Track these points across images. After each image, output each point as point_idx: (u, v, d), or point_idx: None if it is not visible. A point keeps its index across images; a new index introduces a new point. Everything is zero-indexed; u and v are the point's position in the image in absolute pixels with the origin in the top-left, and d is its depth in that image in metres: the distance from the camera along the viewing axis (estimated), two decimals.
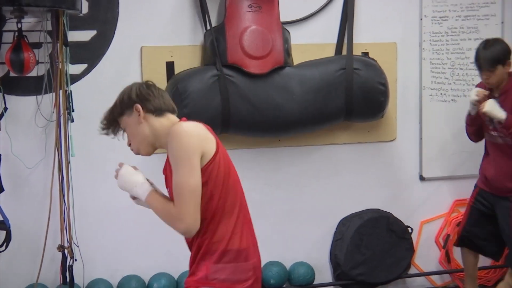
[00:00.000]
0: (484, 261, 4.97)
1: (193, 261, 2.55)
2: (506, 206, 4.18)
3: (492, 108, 4.03)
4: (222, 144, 2.55)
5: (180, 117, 2.64)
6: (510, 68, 4.09)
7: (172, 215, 2.41)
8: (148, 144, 2.57)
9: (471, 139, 4.50)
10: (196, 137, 2.42)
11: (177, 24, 4.31)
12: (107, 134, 2.69)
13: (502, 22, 5.00)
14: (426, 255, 5.01)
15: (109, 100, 4.16)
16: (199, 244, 2.49)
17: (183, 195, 2.37)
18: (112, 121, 2.63)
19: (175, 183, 2.40)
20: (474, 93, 4.15)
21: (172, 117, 2.58)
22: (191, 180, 2.37)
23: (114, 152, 4.17)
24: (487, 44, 4.13)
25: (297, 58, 4.43)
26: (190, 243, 2.55)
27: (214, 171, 2.44)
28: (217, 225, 2.48)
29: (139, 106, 2.49)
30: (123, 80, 4.14)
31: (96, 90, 4.16)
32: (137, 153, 2.64)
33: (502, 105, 4.05)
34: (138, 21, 4.23)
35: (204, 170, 2.41)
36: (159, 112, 2.53)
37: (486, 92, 4.12)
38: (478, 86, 4.30)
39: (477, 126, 4.35)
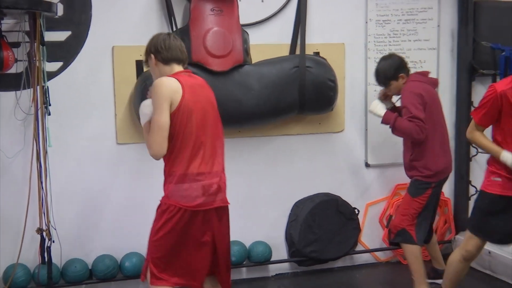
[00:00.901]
0: None
1: (163, 185, 3.14)
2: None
3: (374, 107, 4.27)
4: (194, 98, 3.07)
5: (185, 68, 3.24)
6: (403, 80, 4.18)
7: (147, 143, 3.05)
8: None
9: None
10: (168, 88, 3.00)
11: (145, 26, 4.28)
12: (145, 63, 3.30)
13: (438, 26, 5.11)
14: (371, 233, 5.12)
15: (83, 94, 4.31)
16: (165, 170, 3.12)
17: (153, 129, 3.00)
18: (146, 60, 3.27)
19: (151, 120, 3.03)
20: (379, 93, 4.40)
21: (175, 67, 3.17)
22: (160, 119, 2.97)
23: (87, 142, 4.26)
24: (380, 62, 4.32)
25: (255, 57, 4.48)
26: (164, 172, 3.13)
27: (178, 117, 3.01)
28: (176, 156, 3.05)
29: (152, 56, 3.14)
30: (96, 77, 4.27)
31: (71, 86, 4.20)
32: None
33: (401, 103, 4.17)
34: (109, 23, 4.24)
35: (172, 115, 2.99)
36: (165, 61, 3.14)
37: (390, 92, 4.30)
38: None
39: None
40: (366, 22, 4.93)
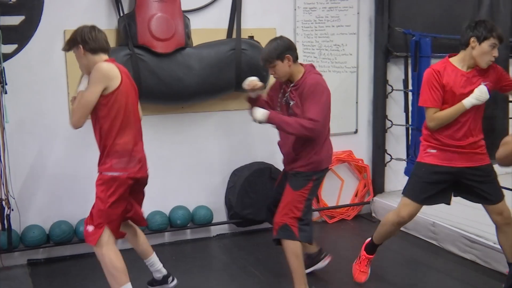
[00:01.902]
0: (344, 199, 5.39)
1: (102, 157, 3.29)
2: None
3: (255, 115, 3.53)
4: (128, 83, 3.28)
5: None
6: (289, 62, 3.47)
7: (71, 112, 3.29)
8: (85, 70, 3.26)
9: None
10: (104, 74, 3.14)
11: (94, 11, 4.29)
12: (67, 50, 3.37)
13: (358, 13, 5.24)
14: None
15: (38, 74, 4.34)
16: (105, 145, 3.24)
17: (79, 103, 3.16)
18: (68, 49, 3.31)
19: (81, 95, 3.18)
20: (246, 82, 3.66)
21: (102, 56, 3.24)
22: (88, 98, 3.13)
23: (42, 118, 4.26)
24: (267, 44, 3.57)
25: (196, 40, 4.54)
26: (99, 145, 3.30)
27: (117, 99, 3.17)
28: (117, 134, 3.22)
29: (80, 46, 3.18)
30: (49, 58, 4.28)
31: (26, 66, 4.18)
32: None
33: (293, 94, 3.54)
34: (61, 8, 4.21)
35: (106, 97, 3.14)
36: (93, 51, 3.20)
37: (258, 84, 3.65)
38: None
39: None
40: (295, 9, 4.98)
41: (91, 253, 3.45)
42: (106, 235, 3.23)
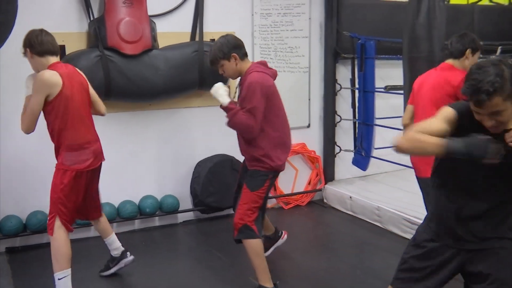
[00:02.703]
0: (299, 187, 5.46)
1: (56, 152, 3.31)
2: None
3: (215, 91, 3.29)
4: (71, 85, 3.21)
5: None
6: (236, 61, 3.27)
7: (21, 118, 3.19)
8: (36, 72, 3.21)
9: None
10: (45, 83, 3.11)
11: (66, 15, 4.23)
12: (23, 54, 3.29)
13: (310, 18, 5.27)
14: None
15: (14, 74, 4.25)
16: (58, 142, 3.27)
17: (27, 111, 3.15)
18: (24, 52, 3.27)
19: (28, 103, 3.16)
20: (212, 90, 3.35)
21: (50, 58, 3.20)
22: (33, 107, 3.12)
23: (18, 115, 4.14)
24: (212, 45, 3.41)
25: (162, 43, 4.51)
26: (53, 141, 3.30)
27: (56, 104, 3.16)
28: (67, 132, 3.23)
29: (28, 50, 3.18)
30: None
31: (3, 66, 4.10)
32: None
33: (240, 92, 3.31)
34: (34, 12, 4.11)
35: (51, 103, 3.15)
36: (40, 54, 3.17)
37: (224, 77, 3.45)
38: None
39: None
40: (252, 15, 5.00)
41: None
42: (58, 222, 3.24)
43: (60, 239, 3.24)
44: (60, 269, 3.22)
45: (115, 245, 3.73)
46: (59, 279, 3.22)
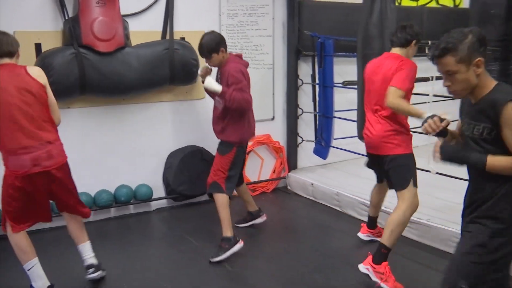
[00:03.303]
0: (264, 175, 5.49)
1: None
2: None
3: (210, 83, 3.70)
4: (12, 91, 2.91)
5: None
6: (223, 53, 3.74)
7: None
8: None
9: (211, 97, 4.09)
10: None
11: (42, 14, 4.14)
12: None
13: (273, 18, 5.28)
14: None
15: None
16: None
17: None
18: None
19: None
20: (200, 68, 3.92)
21: (5, 59, 2.97)
22: None
23: None
24: (203, 37, 3.76)
25: (134, 41, 4.46)
26: None
27: None
28: (1, 137, 2.96)
29: None
30: None
31: None
32: None
33: (221, 78, 3.75)
34: (11, 12, 4.02)
35: None
36: None
37: (209, 68, 3.84)
38: None
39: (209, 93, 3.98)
40: (220, 15, 4.98)
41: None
42: (8, 221, 3.14)
43: (12, 236, 3.13)
44: (25, 261, 3.13)
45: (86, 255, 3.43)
46: (28, 270, 3.14)
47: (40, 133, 3.02)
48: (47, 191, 3.17)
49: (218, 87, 3.68)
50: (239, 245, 3.82)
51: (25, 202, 3.11)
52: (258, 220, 4.45)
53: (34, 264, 3.16)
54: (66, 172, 3.22)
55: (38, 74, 3.06)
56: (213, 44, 3.71)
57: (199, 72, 3.96)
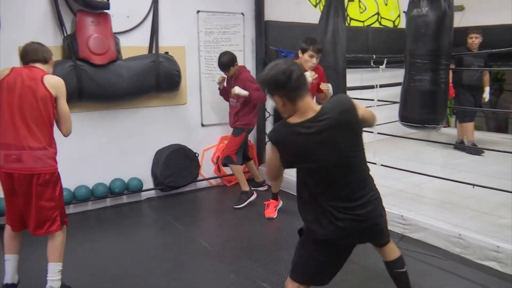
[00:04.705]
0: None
1: None
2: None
3: (239, 91, 4.33)
4: (12, 86, 2.63)
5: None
6: (237, 66, 4.45)
7: None
8: None
9: (225, 99, 4.74)
10: None
11: (43, 31, 4.07)
12: None
13: (244, 36, 5.30)
14: (207, 168, 5.23)
15: None
16: None
17: None
18: None
19: None
20: (218, 78, 4.58)
21: (37, 64, 2.73)
22: None
23: None
24: (222, 57, 4.43)
25: (125, 54, 4.43)
26: None
27: None
28: None
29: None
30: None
31: None
32: None
33: (238, 85, 4.35)
34: (15, 29, 3.96)
35: None
36: (25, 63, 2.75)
37: (222, 77, 4.54)
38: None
39: (225, 94, 4.67)
40: (198, 33, 4.98)
41: None
42: None
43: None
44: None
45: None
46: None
47: (27, 137, 2.60)
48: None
49: (245, 92, 4.32)
50: (254, 196, 4.55)
51: (7, 201, 2.75)
52: (260, 189, 4.93)
53: (6, 259, 2.81)
54: (35, 183, 2.61)
55: (53, 84, 2.68)
56: (230, 61, 4.39)
57: (217, 80, 4.62)
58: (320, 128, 1.95)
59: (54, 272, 2.75)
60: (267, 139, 5.53)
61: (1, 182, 2.72)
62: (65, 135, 2.80)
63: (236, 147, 4.47)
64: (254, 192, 4.58)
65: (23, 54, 2.76)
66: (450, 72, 5.32)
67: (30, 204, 2.65)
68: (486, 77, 5.76)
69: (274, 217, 4.20)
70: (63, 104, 2.73)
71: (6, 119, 2.62)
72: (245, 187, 4.52)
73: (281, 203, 4.36)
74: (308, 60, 3.61)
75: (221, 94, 4.70)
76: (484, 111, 5.60)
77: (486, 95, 5.64)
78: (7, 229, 2.82)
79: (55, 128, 2.77)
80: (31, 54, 2.75)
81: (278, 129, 2.01)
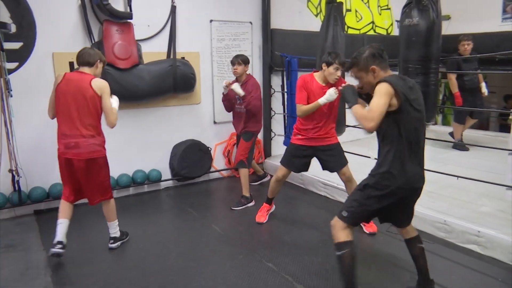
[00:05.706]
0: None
1: None
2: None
3: (236, 88, 4.07)
4: (66, 91, 2.99)
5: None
6: (247, 68, 4.15)
7: None
8: None
9: (226, 110, 4.43)
10: (55, 80, 3.05)
11: (74, 39, 4.11)
12: None
13: (252, 42, 5.29)
14: (218, 161, 5.26)
15: (34, 84, 4.13)
16: None
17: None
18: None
19: None
20: (225, 81, 4.19)
21: (84, 68, 3.04)
22: (50, 96, 3.09)
23: (38, 114, 4.03)
24: (236, 56, 4.13)
25: (146, 59, 4.45)
26: None
27: (54, 97, 3.06)
28: (57, 120, 3.10)
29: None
30: (41, 72, 4.10)
31: (25, 78, 3.94)
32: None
33: (244, 89, 4.08)
34: (49, 37, 4.00)
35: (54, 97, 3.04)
36: (78, 63, 3.08)
37: (229, 82, 4.16)
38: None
39: (228, 101, 4.32)
40: (211, 40, 4.97)
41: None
42: None
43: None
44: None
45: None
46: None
47: (81, 127, 2.98)
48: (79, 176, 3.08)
49: (241, 91, 4.09)
50: (252, 203, 4.26)
51: (66, 178, 3.12)
52: (264, 179, 4.96)
53: (59, 222, 3.12)
54: (92, 166, 3.05)
55: (98, 86, 3.01)
56: (247, 59, 4.19)
57: (223, 83, 4.26)
58: (410, 85, 2.27)
59: (113, 227, 3.30)
60: (273, 135, 5.63)
61: (61, 166, 3.08)
62: (110, 126, 3.09)
63: (247, 151, 4.25)
64: (253, 201, 4.26)
65: (77, 56, 3.05)
66: (455, 81, 5.26)
67: (90, 181, 3.07)
68: (480, 76, 5.71)
69: (264, 221, 3.82)
70: (106, 101, 3.04)
71: (64, 114, 2.98)
72: (247, 193, 4.24)
73: (273, 208, 3.99)
74: (333, 73, 3.27)
75: (223, 100, 4.32)
76: (474, 111, 5.52)
77: (485, 90, 5.56)
78: (63, 201, 3.16)
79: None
80: (80, 57, 3.04)
81: (390, 78, 2.23)
